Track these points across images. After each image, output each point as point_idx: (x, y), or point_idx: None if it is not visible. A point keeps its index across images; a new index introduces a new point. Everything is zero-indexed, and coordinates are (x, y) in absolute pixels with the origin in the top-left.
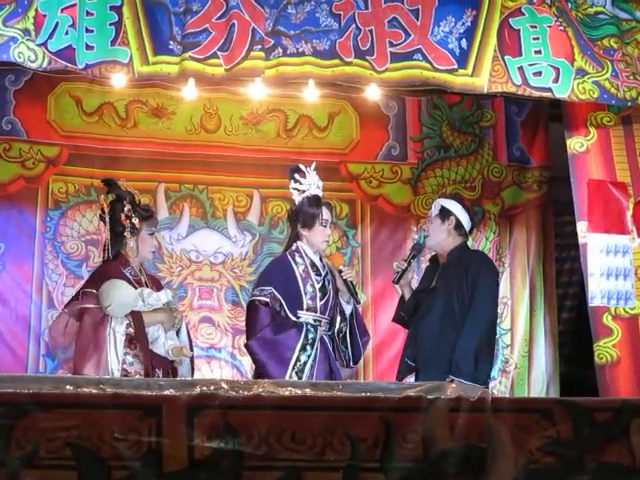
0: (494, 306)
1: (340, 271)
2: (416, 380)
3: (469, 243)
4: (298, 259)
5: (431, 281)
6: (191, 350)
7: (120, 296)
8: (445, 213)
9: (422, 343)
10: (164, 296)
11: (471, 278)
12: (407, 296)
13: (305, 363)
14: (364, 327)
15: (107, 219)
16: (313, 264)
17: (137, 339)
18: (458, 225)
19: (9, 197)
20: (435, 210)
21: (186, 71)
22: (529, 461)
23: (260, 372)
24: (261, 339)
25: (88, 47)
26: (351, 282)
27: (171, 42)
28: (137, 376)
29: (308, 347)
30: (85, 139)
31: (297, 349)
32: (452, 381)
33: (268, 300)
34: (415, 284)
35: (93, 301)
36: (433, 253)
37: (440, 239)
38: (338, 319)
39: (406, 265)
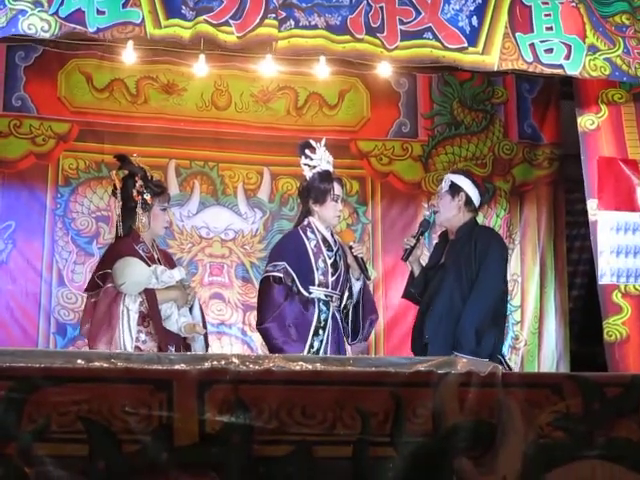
0: (500, 282)
1: (351, 247)
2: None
3: (480, 219)
4: (310, 234)
5: (440, 257)
6: (204, 327)
7: (134, 274)
8: (455, 189)
9: (432, 319)
10: (177, 274)
11: (478, 254)
12: (416, 272)
13: (318, 350)
14: (372, 305)
15: (119, 195)
16: (325, 239)
17: (150, 316)
18: (468, 201)
19: (19, 174)
20: (445, 186)
21: (199, 35)
22: (539, 436)
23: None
24: (278, 321)
25: (99, 12)
26: (361, 258)
27: (183, 7)
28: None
29: (320, 331)
30: (95, 115)
31: (311, 334)
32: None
33: (281, 275)
34: (425, 260)
35: (109, 280)
36: (443, 229)
37: (450, 215)
38: (346, 295)
39: (415, 242)
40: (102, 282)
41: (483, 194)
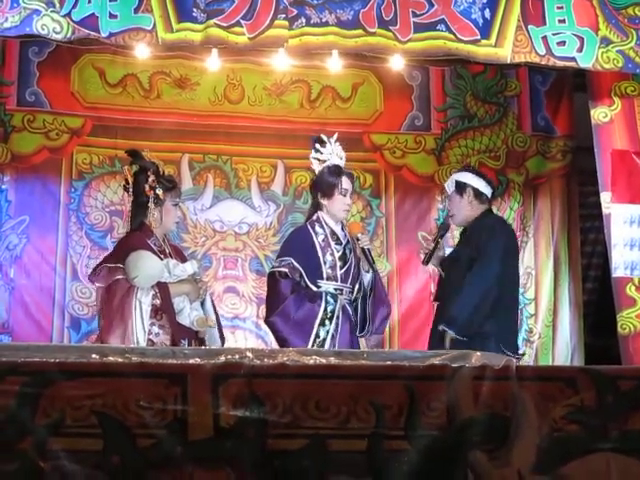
0: (500, 266)
1: (357, 239)
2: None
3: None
4: (318, 229)
5: (458, 251)
6: (217, 322)
7: (147, 267)
8: (461, 187)
9: (448, 308)
10: (190, 267)
11: (483, 241)
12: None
13: (324, 339)
14: (384, 298)
15: (130, 190)
16: (333, 233)
17: (163, 310)
18: (477, 194)
19: (33, 168)
20: (451, 187)
21: (210, 38)
22: (553, 429)
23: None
24: (283, 314)
25: (112, 16)
26: (368, 250)
27: (194, 10)
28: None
29: (327, 322)
30: (108, 110)
31: (316, 324)
32: (444, 331)
33: (287, 271)
34: None
35: (120, 273)
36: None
37: (464, 213)
38: (356, 287)
39: (434, 245)
40: (111, 273)
41: (491, 182)
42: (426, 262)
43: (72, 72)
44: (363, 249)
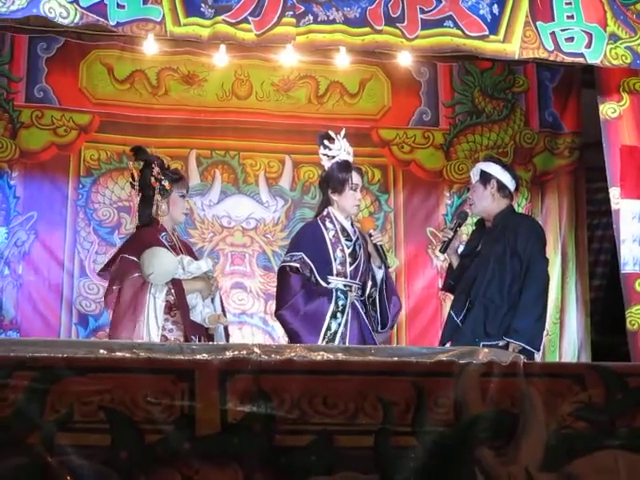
0: (547, 274)
1: (370, 235)
2: (454, 342)
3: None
4: (328, 224)
5: (477, 245)
6: (225, 317)
7: (162, 264)
8: (486, 177)
9: (467, 306)
10: (204, 265)
11: (523, 246)
12: (455, 264)
13: (335, 332)
14: (394, 293)
15: (137, 185)
16: (344, 229)
17: (177, 306)
18: (501, 187)
19: (41, 165)
20: (475, 176)
21: (218, 34)
22: (561, 426)
23: (293, 341)
24: (292, 308)
25: (119, 6)
26: (381, 246)
27: (202, 5)
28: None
29: (339, 314)
30: (117, 107)
31: (327, 317)
32: (507, 344)
33: (298, 266)
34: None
35: (135, 268)
36: (479, 217)
37: (485, 205)
38: (369, 284)
39: (452, 234)
40: (125, 267)
41: (516, 177)
42: (443, 251)
43: (80, 68)
44: (375, 245)
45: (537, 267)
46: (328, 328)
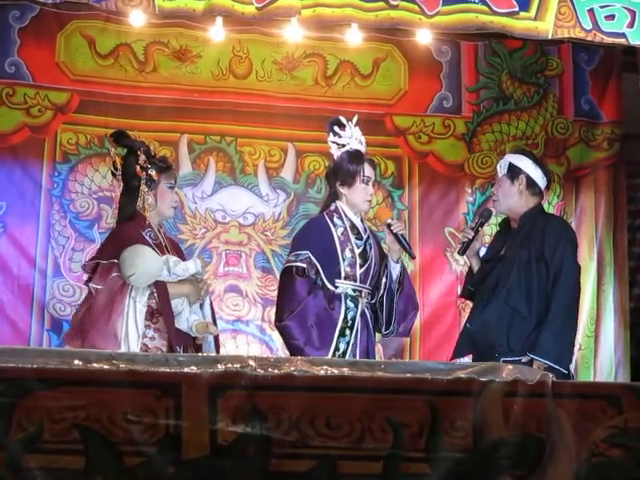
0: (578, 283)
1: (389, 225)
2: (474, 359)
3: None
4: (337, 220)
5: (500, 248)
6: (215, 326)
7: (145, 264)
8: (514, 172)
9: (486, 317)
10: (192, 266)
11: (551, 251)
12: (475, 268)
13: (344, 352)
14: (412, 294)
15: (119, 175)
16: (353, 226)
17: (160, 312)
18: (530, 184)
19: (12, 149)
20: (503, 169)
21: (213, 7)
22: (592, 454)
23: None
24: (299, 319)
25: None
26: (402, 235)
27: None
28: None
29: (347, 331)
30: (98, 84)
31: (336, 335)
32: (532, 360)
33: (305, 266)
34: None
35: (115, 270)
36: (503, 216)
37: (511, 202)
38: (383, 281)
39: (473, 234)
40: (108, 271)
41: (548, 174)
42: (462, 252)
43: (58, 41)
44: (396, 235)
45: (567, 274)
46: (336, 348)
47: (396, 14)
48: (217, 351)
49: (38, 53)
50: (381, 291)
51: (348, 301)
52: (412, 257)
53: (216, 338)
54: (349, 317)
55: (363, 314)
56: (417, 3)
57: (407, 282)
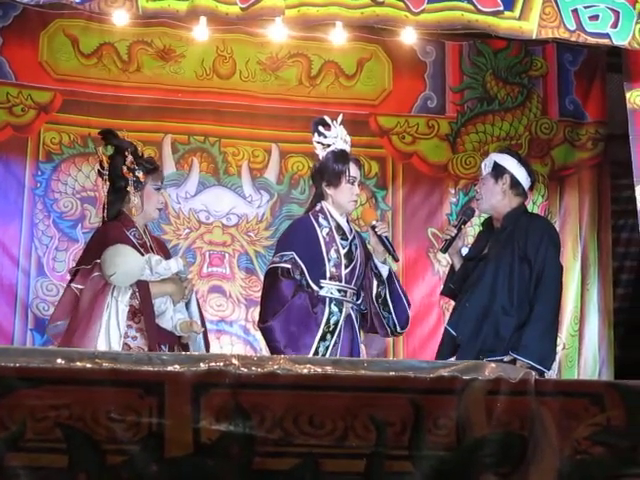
0: (561, 283)
1: (373, 227)
2: (456, 358)
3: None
4: (322, 221)
5: (483, 248)
6: (203, 326)
7: (126, 264)
8: (499, 171)
9: (467, 316)
10: (175, 265)
11: (534, 251)
12: (457, 266)
13: (324, 355)
14: (404, 293)
15: (106, 175)
16: (339, 227)
17: (142, 311)
18: (514, 183)
19: None
20: (487, 168)
21: (197, 8)
22: (575, 451)
23: None
24: (282, 321)
25: None
26: (386, 237)
27: None
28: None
29: (328, 335)
30: (82, 84)
31: (317, 339)
32: (515, 360)
33: (289, 267)
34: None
35: (97, 269)
36: (486, 216)
37: (494, 201)
38: (375, 283)
39: (455, 232)
40: (90, 272)
41: (532, 174)
42: (444, 250)
43: (41, 39)
44: (380, 237)
45: (550, 275)
46: (316, 352)
47: (382, 11)
48: (207, 350)
49: (21, 52)
50: (374, 291)
51: (332, 305)
52: (395, 260)
53: (205, 337)
54: (332, 322)
55: (348, 317)
56: (403, 0)
57: (397, 282)
